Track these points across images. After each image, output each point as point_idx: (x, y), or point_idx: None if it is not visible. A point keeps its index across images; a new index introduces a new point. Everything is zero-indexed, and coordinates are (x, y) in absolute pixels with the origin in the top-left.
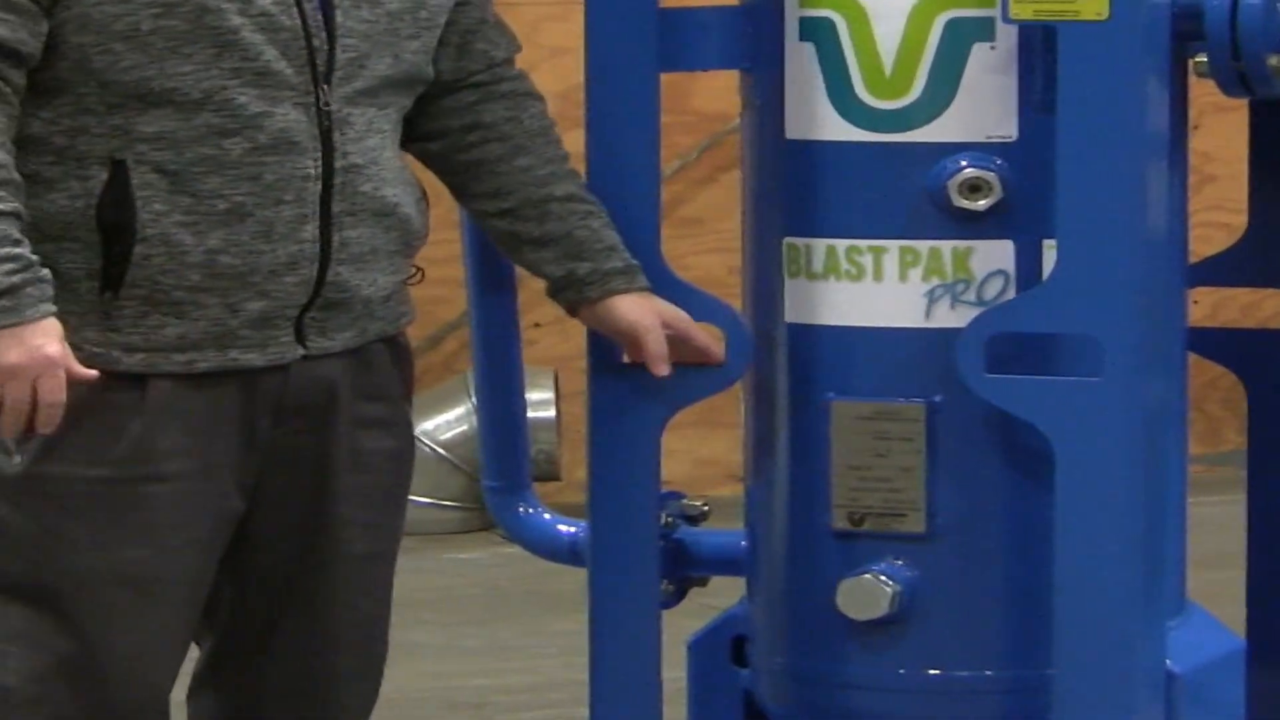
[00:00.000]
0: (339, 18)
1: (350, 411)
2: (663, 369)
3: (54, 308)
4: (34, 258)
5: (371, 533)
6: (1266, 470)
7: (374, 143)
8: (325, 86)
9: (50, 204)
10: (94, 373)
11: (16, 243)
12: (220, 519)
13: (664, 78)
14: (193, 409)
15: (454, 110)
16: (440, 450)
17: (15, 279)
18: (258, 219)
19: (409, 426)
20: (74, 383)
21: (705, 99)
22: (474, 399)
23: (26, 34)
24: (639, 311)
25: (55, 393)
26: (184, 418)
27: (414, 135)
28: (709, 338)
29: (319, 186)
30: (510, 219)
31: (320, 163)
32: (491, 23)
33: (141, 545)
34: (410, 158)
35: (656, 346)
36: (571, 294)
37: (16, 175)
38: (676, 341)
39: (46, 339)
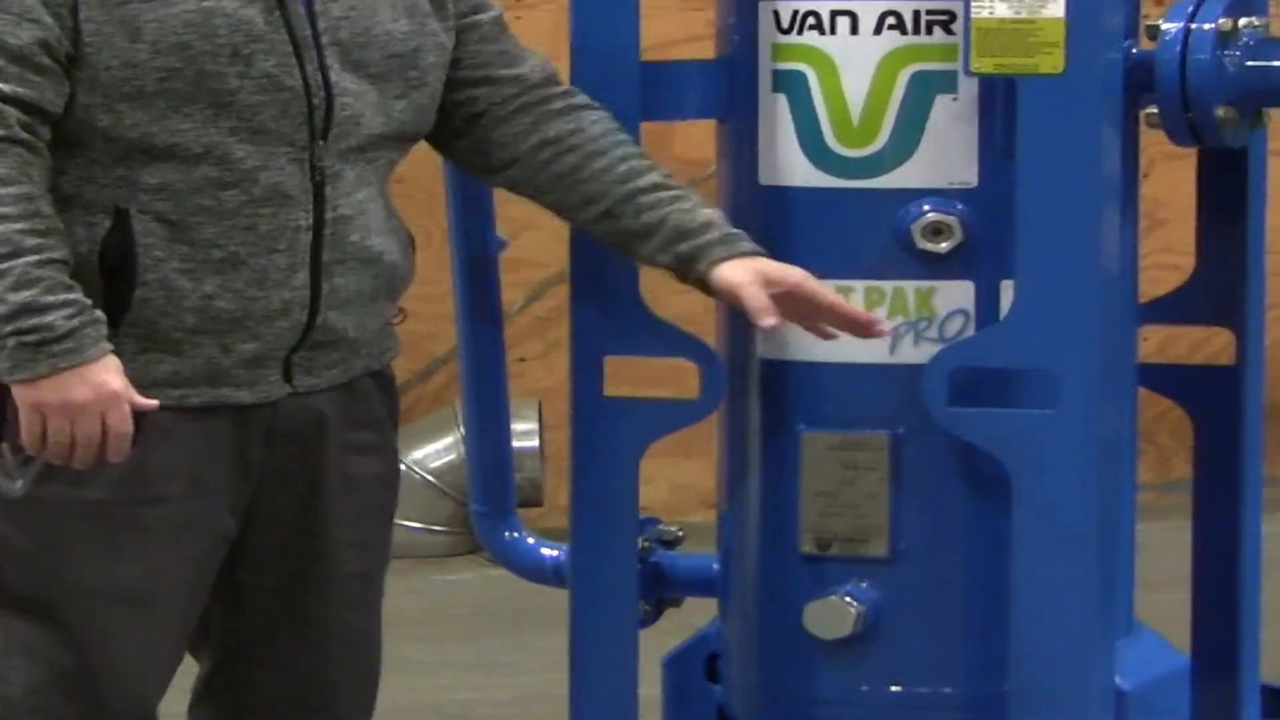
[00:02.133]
0: (334, 78)
1: (339, 438)
2: (767, 320)
3: (111, 346)
4: (87, 301)
5: (362, 552)
6: (1212, 498)
7: (363, 195)
8: (320, 143)
9: None
10: (155, 402)
11: (70, 288)
12: (213, 539)
13: (646, 126)
14: (186, 436)
15: (516, 136)
16: (430, 478)
17: (74, 322)
18: (251, 267)
19: (395, 451)
20: (138, 413)
21: (685, 146)
22: (462, 429)
23: (52, 93)
24: (737, 272)
25: (123, 424)
26: (178, 444)
27: (493, 169)
28: (834, 296)
29: (310, 236)
30: (609, 220)
31: (311, 214)
32: (513, 51)
33: (136, 563)
34: (396, 205)
35: (754, 300)
36: (689, 275)
37: (59, 224)
38: (801, 302)
39: (109, 375)
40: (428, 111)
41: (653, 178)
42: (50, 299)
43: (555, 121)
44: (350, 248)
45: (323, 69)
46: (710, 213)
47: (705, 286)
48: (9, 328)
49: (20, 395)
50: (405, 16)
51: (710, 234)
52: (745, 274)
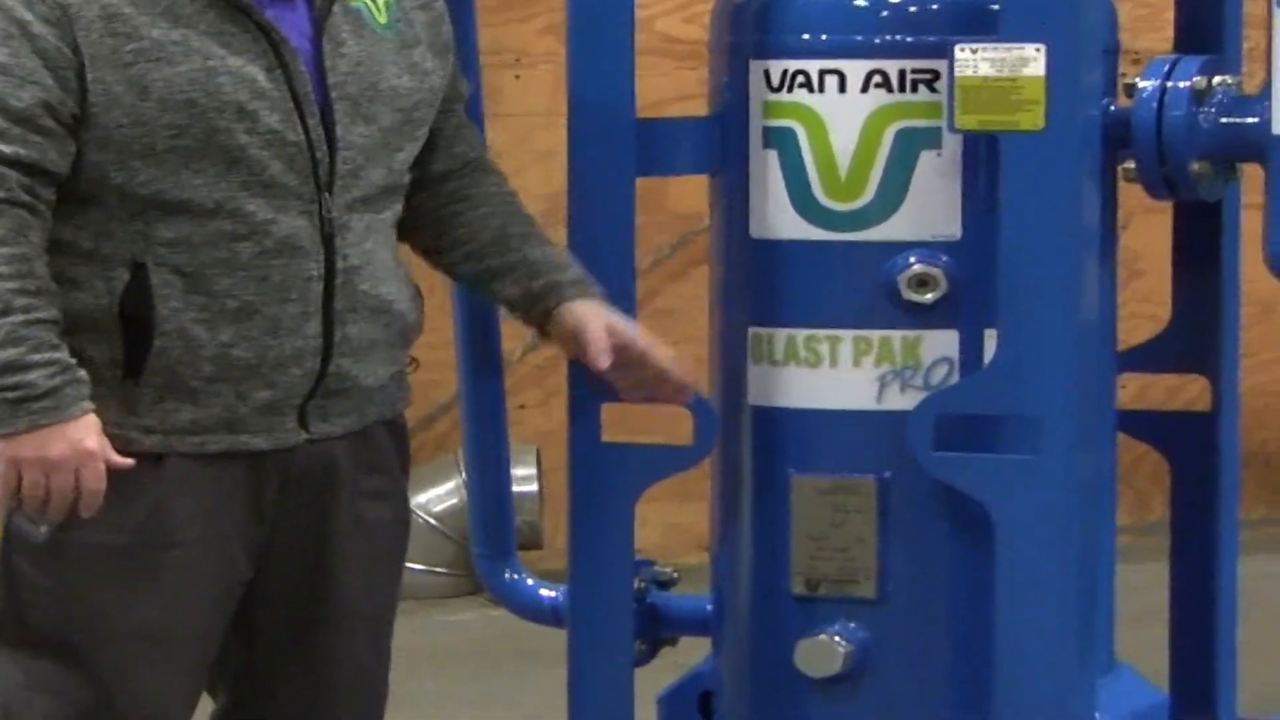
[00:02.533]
0: (339, 132)
1: (352, 484)
2: (603, 361)
3: (92, 405)
4: (72, 361)
5: (371, 594)
6: (1188, 539)
7: (370, 245)
8: (327, 195)
9: (78, 301)
10: (130, 461)
11: (55, 347)
12: (229, 581)
13: (640, 181)
14: (204, 483)
15: (437, 200)
16: (433, 521)
17: (55, 381)
18: (265, 316)
19: (406, 497)
20: (112, 471)
21: (678, 200)
22: (464, 474)
23: (55, 154)
24: (586, 312)
25: (95, 481)
26: (196, 491)
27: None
28: (666, 355)
29: (321, 286)
30: (474, 260)
31: (323, 264)
32: (467, 127)
33: (156, 605)
34: (410, 258)
35: (595, 339)
36: (535, 309)
37: (53, 285)
38: (635, 365)
39: (86, 434)
40: (414, 159)
41: (524, 227)
42: (35, 357)
43: (459, 179)
44: (360, 296)
45: (326, 124)
46: (568, 259)
47: (547, 325)
48: None
49: (1, 449)
50: (409, 75)
51: (565, 274)
52: (593, 316)
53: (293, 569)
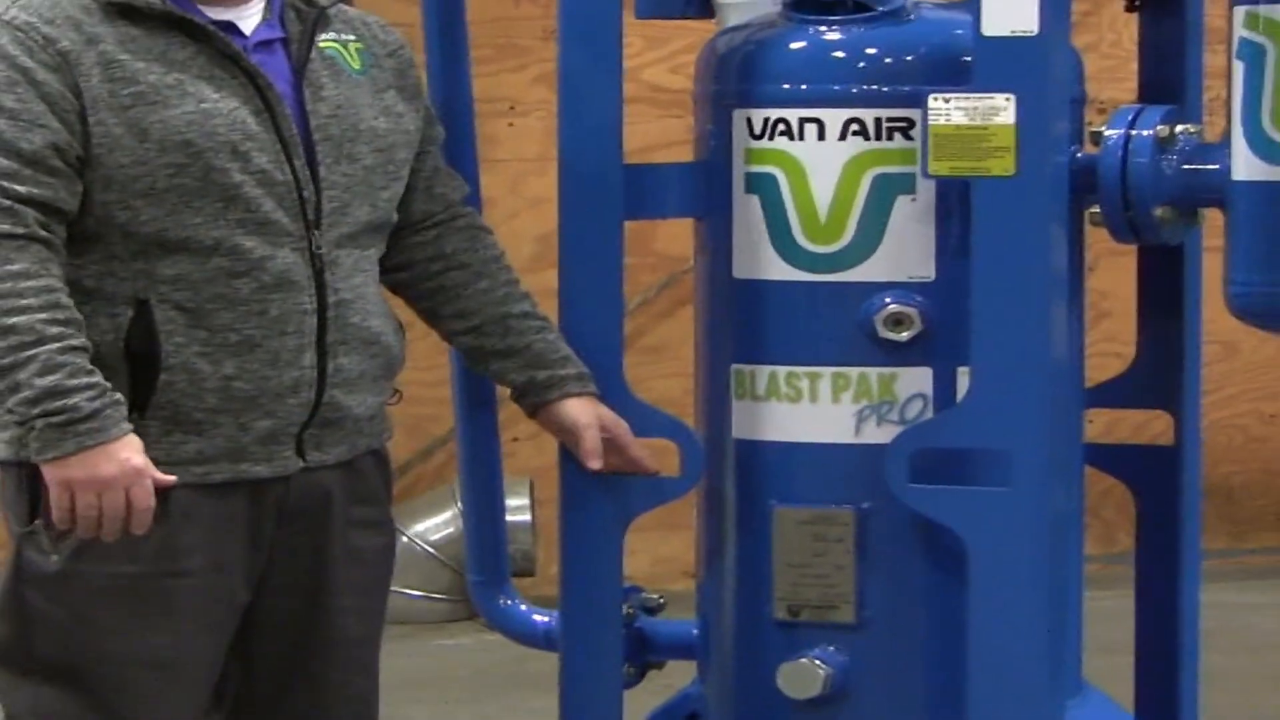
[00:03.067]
0: (323, 172)
1: (344, 514)
2: (594, 464)
3: (130, 426)
4: (107, 384)
5: (363, 619)
6: (1153, 569)
7: (359, 280)
8: (316, 232)
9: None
10: (174, 478)
11: (90, 372)
12: (229, 609)
13: (628, 224)
14: (208, 514)
15: (420, 245)
16: (430, 549)
17: (97, 403)
18: (266, 349)
19: (393, 525)
20: (158, 488)
21: (665, 242)
22: (460, 505)
23: (65, 194)
24: (582, 412)
25: (145, 499)
26: (200, 521)
27: (385, 268)
28: (642, 449)
29: (315, 320)
30: (476, 335)
31: (315, 299)
32: (445, 169)
33: (165, 631)
34: (388, 294)
35: (591, 443)
36: (533, 397)
37: (78, 315)
38: (614, 448)
39: (132, 452)
40: (396, 203)
41: (524, 305)
42: (74, 382)
43: (453, 237)
44: (351, 329)
45: (311, 164)
46: (567, 348)
47: (544, 412)
48: (36, 410)
49: (50, 474)
50: (383, 115)
51: (568, 369)
52: (589, 416)
53: (289, 597)
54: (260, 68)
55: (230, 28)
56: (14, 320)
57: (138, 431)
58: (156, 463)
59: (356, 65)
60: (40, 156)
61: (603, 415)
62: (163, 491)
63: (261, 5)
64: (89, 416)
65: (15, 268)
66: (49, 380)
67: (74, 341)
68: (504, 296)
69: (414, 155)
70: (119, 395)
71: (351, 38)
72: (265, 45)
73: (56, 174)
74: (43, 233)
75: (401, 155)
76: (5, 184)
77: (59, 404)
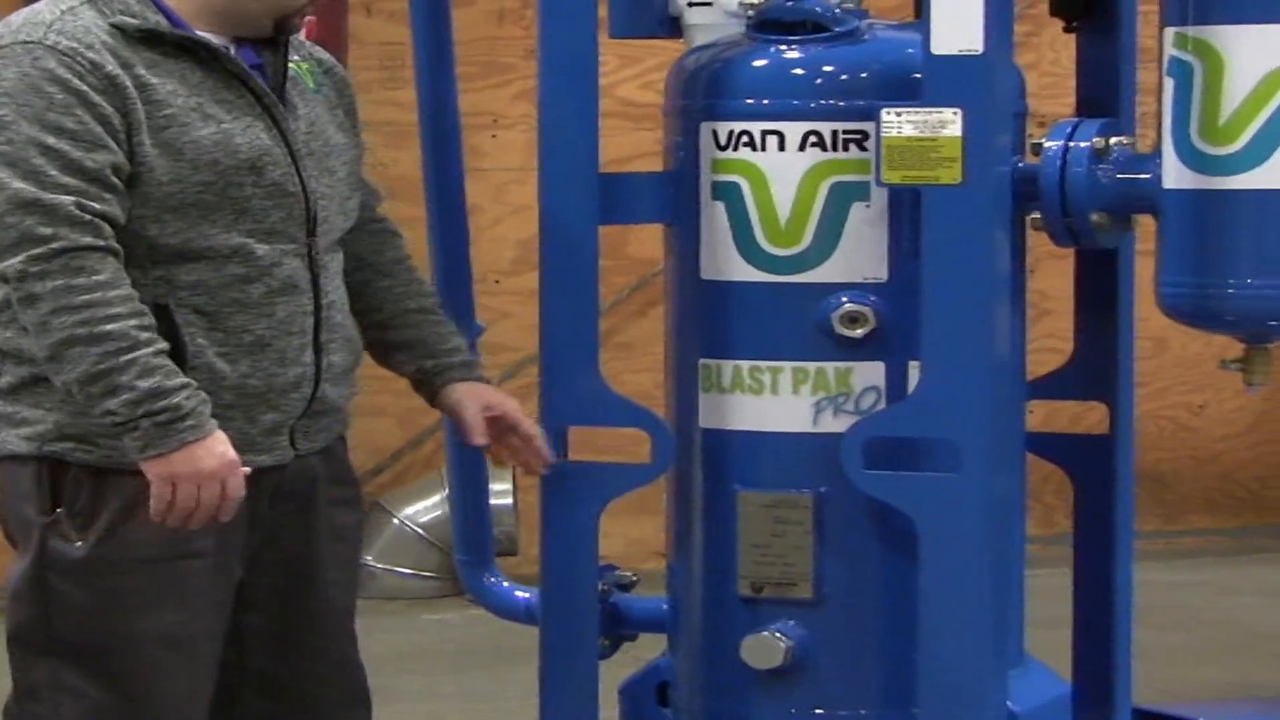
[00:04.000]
0: (311, 184)
1: (326, 493)
2: (478, 440)
3: (218, 422)
4: (195, 383)
5: (345, 590)
6: (1089, 548)
7: (338, 282)
8: (313, 239)
9: None
10: (250, 469)
11: (179, 373)
12: (231, 586)
13: (603, 229)
14: None
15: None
16: (420, 531)
17: (194, 402)
18: (275, 348)
19: (363, 503)
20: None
21: (637, 247)
22: (448, 489)
23: (121, 210)
24: (466, 393)
25: (239, 489)
26: None
27: None
28: (534, 426)
29: (313, 320)
30: (379, 329)
31: (313, 300)
32: (364, 179)
33: (179, 610)
34: None
35: (470, 420)
36: (425, 386)
37: (155, 322)
38: (507, 426)
39: (226, 446)
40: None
41: (422, 302)
42: (173, 383)
43: (365, 239)
44: (337, 328)
45: (300, 176)
46: (458, 340)
47: (435, 399)
48: (140, 411)
49: (154, 470)
50: (340, 132)
51: (454, 357)
52: (469, 398)
53: (277, 573)
54: (265, 88)
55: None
56: (109, 327)
57: None
58: None
59: (311, 85)
60: (104, 175)
61: (487, 396)
62: None
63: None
64: (189, 414)
65: (102, 277)
66: (150, 382)
67: (161, 345)
68: (403, 293)
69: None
70: (205, 394)
71: (301, 60)
72: (253, 69)
73: (115, 191)
74: (116, 245)
75: (359, 167)
76: (83, 200)
77: (162, 404)
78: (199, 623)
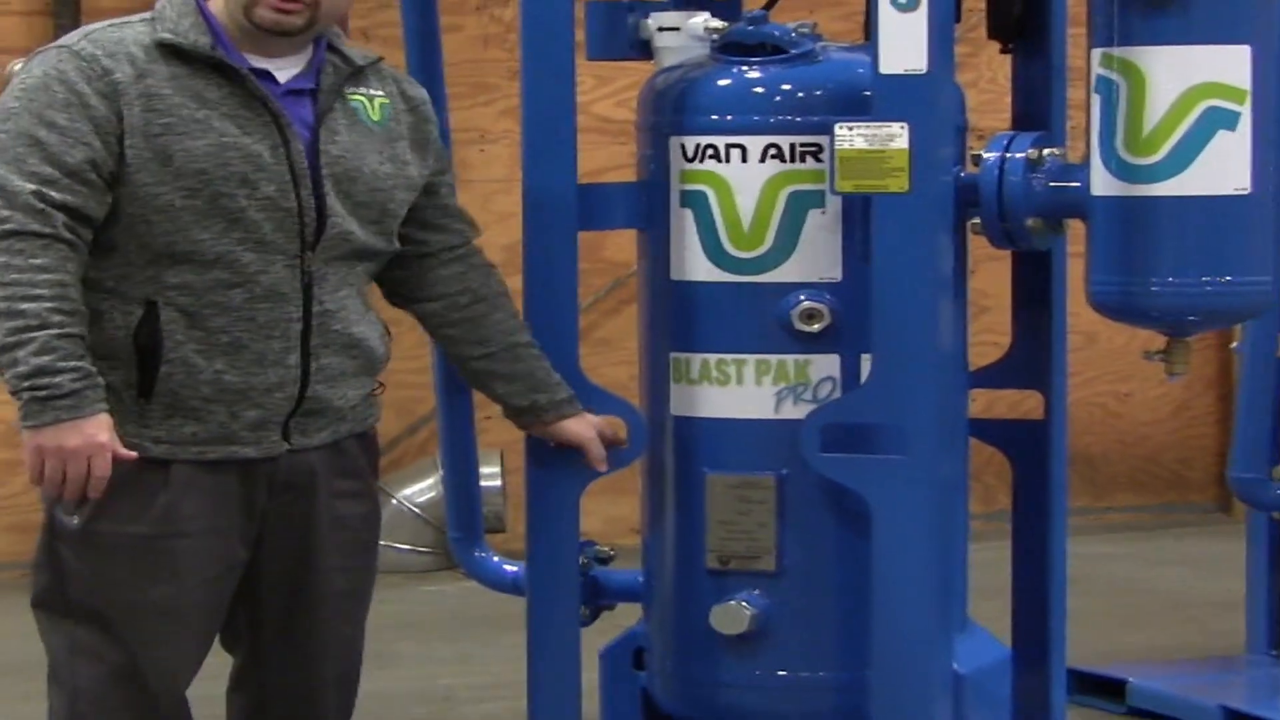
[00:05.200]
0: (329, 202)
1: (328, 487)
2: (602, 468)
3: (106, 407)
4: (94, 369)
5: (347, 575)
6: (1027, 524)
7: (344, 293)
8: (310, 253)
9: (103, 332)
10: (134, 454)
11: (80, 358)
12: (228, 565)
13: (581, 234)
14: (205, 485)
15: (448, 279)
16: (416, 510)
17: (78, 385)
18: (253, 350)
19: (375, 495)
20: (118, 461)
21: (613, 250)
22: (441, 472)
23: (94, 204)
24: (583, 429)
25: (102, 469)
26: (198, 492)
27: (416, 299)
28: (620, 429)
29: (300, 326)
30: (489, 360)
31: (302, 308)
32: (457, 207)
33: (168, 583)
34: (376, 301)
35: (597, 452)
36: (531, 417)
37: (84, 309)
38: (606, 437)
39: (99, 430)
40: (393, 235)
41: (526, 337)
42: (63, 364)
43: (475, 274)
44: (333, 335)
45: (317, 195)
46: (559, 375)
47: (543, 429)
48: (25, 384)
49: (27, 440)
50: (389, 163)
51: (563, 393)
52: (590, 430)
53: (282, 557)
54: (283, 111)
55: (265, 75)
56: (25, 306)
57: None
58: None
59: (376, 117)
60: (78, 170)
61: (596, 425)
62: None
63: (303, 60)
64: (68, 395)
65: (37, 262)
66: (43, 360)
67: (72, 330)
68: (513, 327)
69: (418, 195)
70: (102, 381)
71: (379, 93)
72: (295, 94)
73: (90, 185)
74: (67, 234)
75: (400, 196)
76: (44, 189)
77: (45, 380)
78: (187, 596)
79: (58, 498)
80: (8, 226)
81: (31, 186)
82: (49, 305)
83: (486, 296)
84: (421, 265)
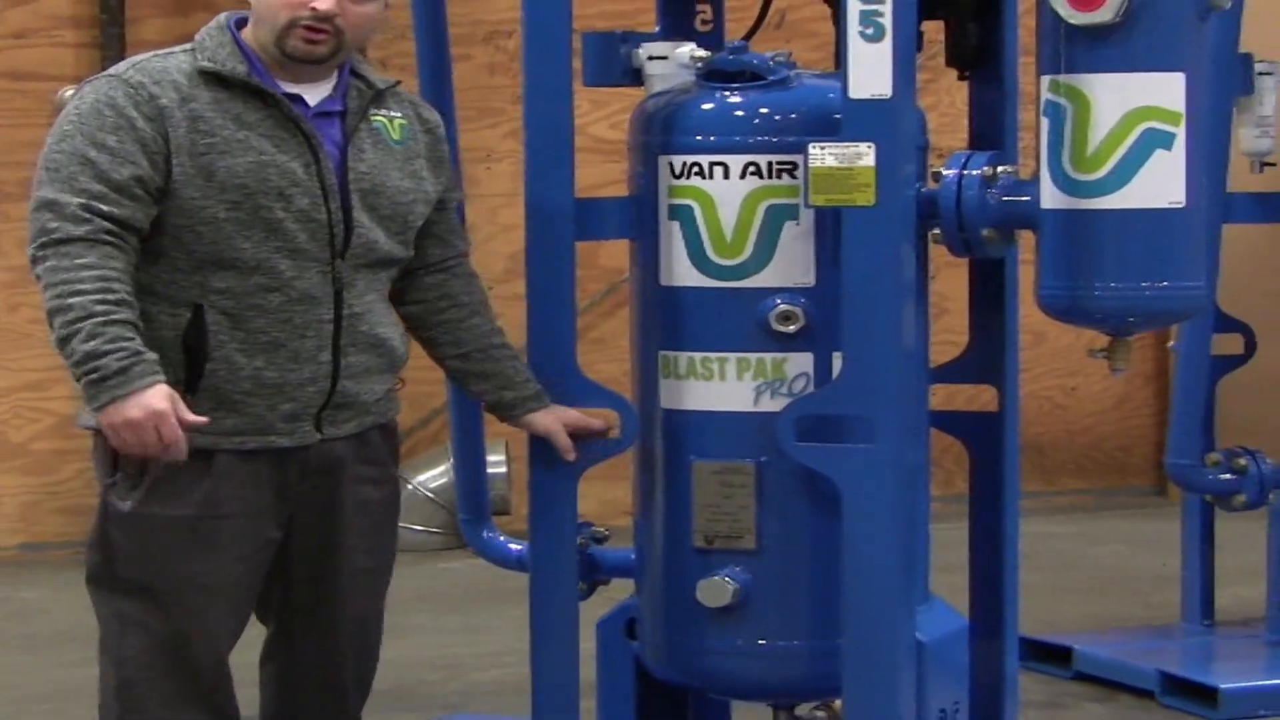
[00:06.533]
0: (356, 215)
1: (353, 473)
2: (571, 457)
3: (161, 377)
4: (142, 349)
5: (369, 554)
6: (983, 506)
7: (370, 297)
8: (339, 260)
9: (152, 333)
10: (204, 419)
11: (127, 340)
12: (262, 544)
13: (579, 244)
14: (244, 472)
15: (431, 286)
16: (429, 494)
17: (125, 362)
18: (289, 349)
19: (396, 482)
20: (187, 428)
21: (607, 259)
22: (452, 460)
23: (140, 215)
24: (548, 421)
25: (171, 435)
26: (237, 478)
27: (400, 301)
28: (593, 419)
29: (332, 327)
30: (463, 360)
31: (333, 310)
32: (456, 224)
33: (209, 561)
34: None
35: (564, 443)
36: (503, 411)
37: (132, 300)
38: (574, 428)
39: (155, 398)
40: (411, 244)
41: (500, 339)
42: (108, 347)
43: (457, 281)
44: (360, 335)
45: (345, 208)
46: (529, 372)
47: (514, 423)
48: (80, 370)
49: (100, 419)
50: (409, 179)
51: (529, 389)
52: (555, 423)
53: (310, 536)
54: (315, 131)
55: (297, 99)
56: (72, 300)
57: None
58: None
59: (396, 136)
60: (125, 185)
61: (563, 417)
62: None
63: (330, 84)
64: (116, 373)
65: (81, 260)
66: (89, 346)
67: (117, 316)
68: (488, 331)
69: (431, 210)
70: (151, 355)
71: (398, 115)
72: (324, 115)
73: (136, 199)
74: (109, 238)
75: (419, 210)
76: (94, 203)
77: (94, 364)
78: (226, 573)
79: (128, 474)
80: (56, 235)
81: (80, 200)
82: (93, 297)
83: (464, 303)
84: (412, 273)
